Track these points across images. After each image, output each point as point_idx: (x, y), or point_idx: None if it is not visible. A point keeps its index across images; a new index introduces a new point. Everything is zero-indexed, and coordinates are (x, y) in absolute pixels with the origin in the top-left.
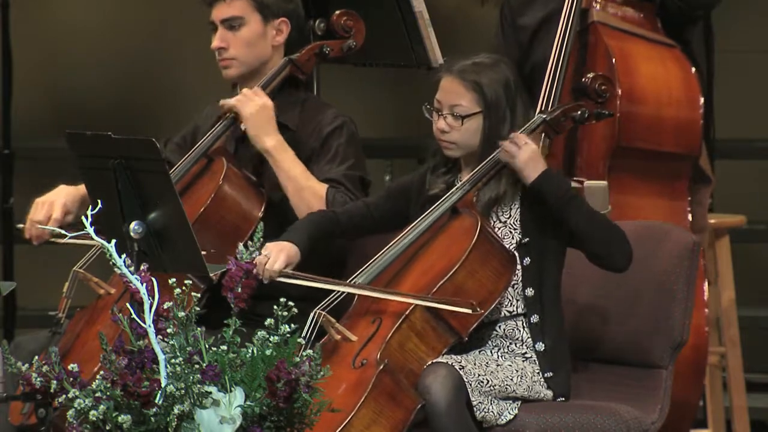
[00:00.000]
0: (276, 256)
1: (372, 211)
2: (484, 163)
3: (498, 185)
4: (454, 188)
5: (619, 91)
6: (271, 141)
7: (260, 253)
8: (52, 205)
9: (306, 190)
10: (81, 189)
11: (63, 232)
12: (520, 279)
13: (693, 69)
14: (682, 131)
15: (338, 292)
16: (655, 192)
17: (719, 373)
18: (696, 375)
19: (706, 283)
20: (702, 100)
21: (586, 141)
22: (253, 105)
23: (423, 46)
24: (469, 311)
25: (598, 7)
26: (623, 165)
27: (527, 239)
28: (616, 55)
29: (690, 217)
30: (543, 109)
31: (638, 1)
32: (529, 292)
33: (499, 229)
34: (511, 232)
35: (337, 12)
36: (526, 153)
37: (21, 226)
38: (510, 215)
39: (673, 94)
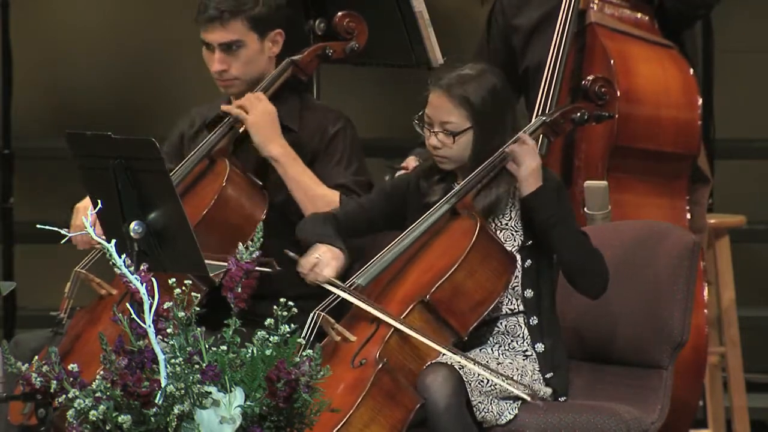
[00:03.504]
0: (328, 263)
1: (367, 212)
2: (484, 164)
3: (494, 191)
4: (452, 191)
5: (618, 92)
6: (277, 148)
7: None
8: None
9: (319, 198)
10: None
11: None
12: (520, 281)
13: (691, 70)
14: (681, 131)
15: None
16: (654, 192)
17: (719, 373)
18: (696, 375)
19: (706, 284)
20: (700, 100)
21: (584, 141)
22: (257, 112)
23: (423, 46)
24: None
25: (595, 8)
26: (622, 165)
27: (530, 242)
28: (614, 56)
29: (689, 216)
30: (541, 111)
31: (636, 2)
32: (528, 293)
33: (500, 232)
34: (512, 234)
35: (340, 14)
36: (530, 166)
37: (65, 231)
38: (510, 218)
39: (672, 94)
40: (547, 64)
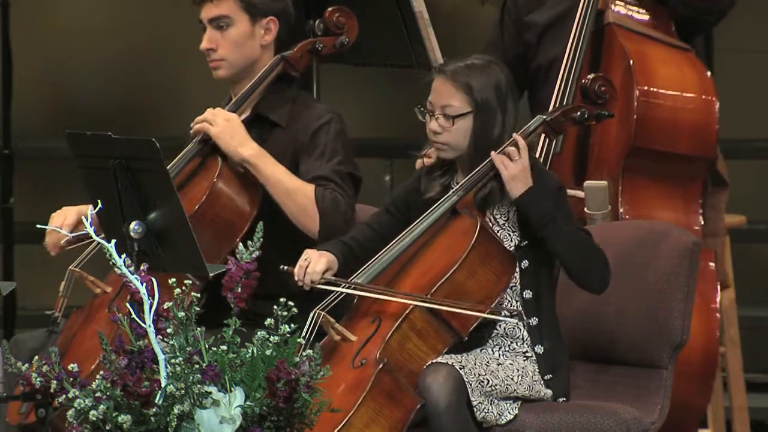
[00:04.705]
0: (317, 260)
1: (376, 230)
2: (478, 168)
3: (491, 189)
4: (451, 191)
5: (637, 92)
6: (246, 150)
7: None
8: (66, 212)
9: (293, 192)
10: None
11: (68, 234)
12: (518, 282)
13: (708, 73)
14: (697, 133)
15: (337, 292)
16: (668, 193)
17: (719, 373)
18: (704, 378)
19: (719, 287)
20: (718, 104)
21: (599, 142)
22: (218, 123)
23: (423, 46)
24: (475, 313)
25: (614, 8)
26: (637, 166)
27: (525, 242)
28: (633, 57)
29: (702, 219)
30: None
31: (653, 5)
32: (527, 294)
33: (497, 231)
34: (509, 234)
35: (330, 9)
36: (513, 170)
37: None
38: (508, 218)
39: (689, 97)
40: (563, 63)
